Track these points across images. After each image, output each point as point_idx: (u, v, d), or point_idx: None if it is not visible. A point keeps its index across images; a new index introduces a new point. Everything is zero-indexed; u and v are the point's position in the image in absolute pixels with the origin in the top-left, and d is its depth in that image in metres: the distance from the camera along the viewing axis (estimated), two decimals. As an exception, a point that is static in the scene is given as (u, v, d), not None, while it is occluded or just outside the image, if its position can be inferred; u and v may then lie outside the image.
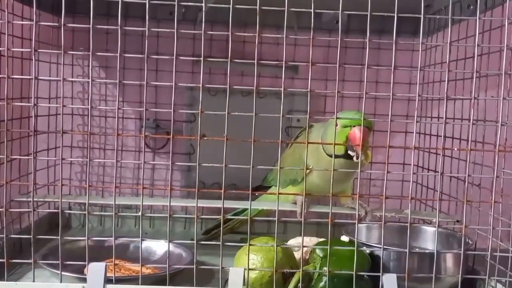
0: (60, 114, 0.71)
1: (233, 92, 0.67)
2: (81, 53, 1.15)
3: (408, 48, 1.14)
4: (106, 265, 0.70)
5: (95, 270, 0.69)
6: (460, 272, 0.75)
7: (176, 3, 0.67)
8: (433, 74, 1.13)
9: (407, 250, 0.72)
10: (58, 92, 1.10)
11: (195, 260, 0.72)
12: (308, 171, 0.75)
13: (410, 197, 0.73)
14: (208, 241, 1.00)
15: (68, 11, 0.69)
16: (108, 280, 0.70)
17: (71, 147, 1.21)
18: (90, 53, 0.69)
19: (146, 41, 0.67)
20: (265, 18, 0.67)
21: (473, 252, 0.82)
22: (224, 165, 0.68)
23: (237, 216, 1.02)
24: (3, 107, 0.72)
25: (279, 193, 0.71)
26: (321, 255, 0.77)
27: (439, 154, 0.73)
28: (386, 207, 0.72)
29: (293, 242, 0.89)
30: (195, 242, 0.72)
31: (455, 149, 0.82)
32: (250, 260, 0.75)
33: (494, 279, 0.77)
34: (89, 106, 0.72)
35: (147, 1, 0.66)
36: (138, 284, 0.71)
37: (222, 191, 0.69)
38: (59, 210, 0.73)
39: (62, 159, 0.72)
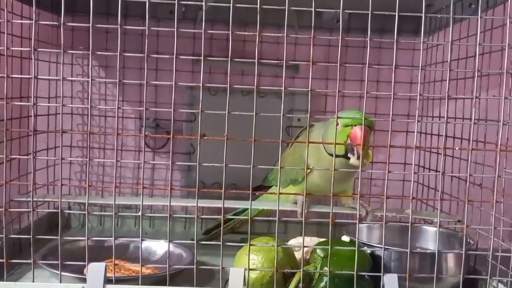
0: (59, 113, 0.71)
1: (233, 91, 0.67)
2: (80, 52, 1.15)
3: (409, 47, 1.14)
4: (106, 265, 0.70)
5: (95, 270, 0.69)
6: (462, 272, 0.75)
7: (176, 2, 0.66)
8: (434, 73, 1.13)
9: (408, 250, 0.72)
10: (57, 91, 1.10)
11: (195, 260, 0.71)
12: (308, 170, 0.75)
13: (411, 197, 0.73)
14: (209, 241, 1.00)
15: (67, 10, 0.69)
16: (108, 280, 0.70)
17: (70, 146, 1.21)
18: (90, 52, 0.69)
19: (146, 40, 0.67)
20: (265, 17, 0.67)
21: (474, 252, 0.82)
22: (224, 164, 0.68)
23: (238, 216, 1.01)
24: (3, 106, 0.72)
25: (279, 193, 0.71)
26: (322, 255, 0.76)
27: (440, 154, 0.73)
28: (387, 207, 0.72)
29: (293, 242, 0.89)
30: (195, 242, 0.71)
31: (457, 148, 0.82)
32: (251, 260, 0.75)
33: (495, 279, 0.77)
34: (89, 106, 0.72)
35: (147, 0, 0.66)
36: (138, 284, 0.71)
37: (223, 191, 0.69)
38: (59, 210, 0.72)
39: (62, 158, 0.71)
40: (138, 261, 0.72)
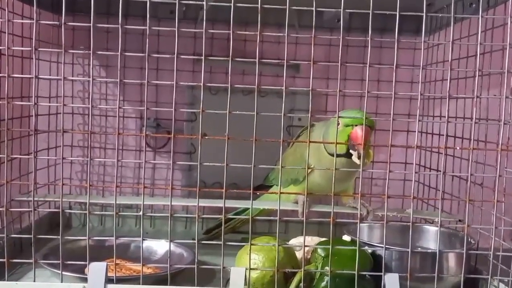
0: (60, 113, 0.71)
1: (234, 91, 0.67)
2: (81, 51, 1.15)
3: (410, 47, 1.14)
4: (107, 265, 0.70)
5: (96, 270, 0.69)
6: (463, 272, 0.75)
7: (177, 1, 0.67)
8: (435, 72, 1.13)
9: (409, 250, 0.72)
10: (58, 91, 1.10)
11: (196, 260, 0.71)
12: (309, 170, 0.75)
13: (412, 196, 0.73)
14: (209, 240, 1.00)
15: (68, 9, 0.69)
16: (109, 280, 0.70)
17: (71, 146, 1.21)
18: (91, 51, 0.69)
19: (147, 39, 0.67)
20: (266, 17, 0.67)
21: (475, 251, 0.82)
22: (225, 164, 0.68)
23: (238, 216, 1.01)
24: (3, 106, 0.72)
25: (280, 193, 0.71)
26: (322, 254, 0.76)
27: (441, 153, 0.73)
28: (388, 207, 0.72)
29: (294, 241, 0.89)
30: (196, 241, 0.71)
31: (458, 148, 0.82)
32: (252, 260, 0.75)
33: (496, 278, 0.77)
34: (90, 105, 0.72)
35: (148, 0, 0.66)
36: (139, 284, 0.71)
37: (223, 190, 0.69)
38: (60, 210, 0.72)
39: (63, 158, 0.71)
40: (139, 261, 0.72)
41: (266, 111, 0.67)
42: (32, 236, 0.72)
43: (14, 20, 0.76)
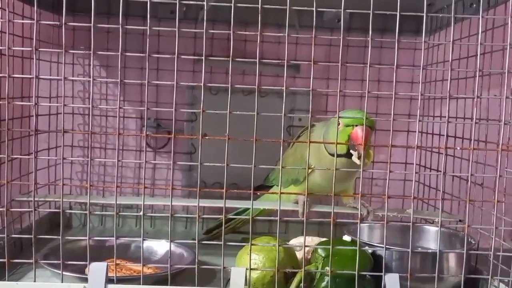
0: (61, 113, 0.71)
1: (234, 91, 0.67)
2: (82, 52, 1.15)
3: (410, 47, 1.14)
4: (107, 265, 0.70)
5: (96, 270, 0.69)
6: (463, 272, 0.75)
7: (177, 1, 0.67)
8: (435, 73, 1.13)
9: (409, 250, 0.72)
10: (58, 91, 1.10)
11: (196, 260, 0.71)
12: (310, 170, 0.75)
13: (412, 196, 0.73)
14: (210, 240, 1.00)
15: (68, 9, 0.69)
16: (109, 280, 0.70)
17: (72, 146, 1.21)
18: (91, 52, 0.69)
19: (147, 40, 0.67)
20: (266, 17, 0.67)
21: (475, 251, 0.82)
22: (225, 164, 0.68)
23: (239, 216, 1.01)
24: (4, 106, 0.72)
25: (281, 193, 0.70)
26: (323, 254, 0.76)
27: (442, 154, 0.73)
28: (388, 207, 0.72)
29: (295, 241, 0.89)
30: (196, 241, 0.71)
31: (458, 148, 0.82)
32: (252, 260, 0.75)
33: (497, 278, 0.77)
34: (90, 105, 0.72)
35: (148, 0, 0.66)
36: (140, 284, 0.71)
37: (224, 190, 0.69)
38: (60, 210, 0.72)
39: (63, 158, 0.71)
40: (140, 261, 0.72)
41: (267, 111, 0.67)
42: (32, 236, 0.72)
43: (15, 20, 0.76)
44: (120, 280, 0.73)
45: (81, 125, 1.23)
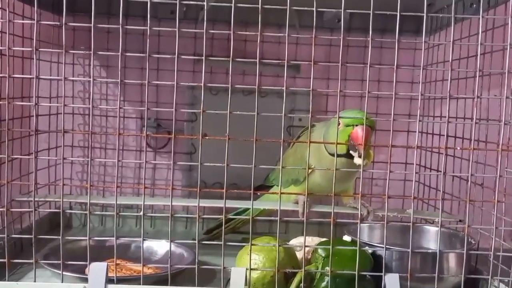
0: (61, 113, 0.71)
1: (234, 91, 0.67)
2: (82, 52, 1.15)
3: (411, 47, 1.14)
4: (107, 265, 0.70)
5: (97, 270, 0.69)
6: (463, 272, 0.75)
7: (177, 2, 0.66)
8: (435, 73, 1.13)
9: (409, 250, 0.72)
10: (59, 91, 1.10)
11: (196, 260, 0.71)
12: (310, 170, 0.75)
13: (412, 196, 0.73)
14: (210, 241, 1.00)
15: (69, 10, 0.69)
16: (109, 280, 0.70)
17: (72, 146, 1.21)
18: (91, 52, 0.69)
19: (148, 40, 0.67)
20: (266, 17, 0.67)
21: (475, 252, 0.82)
22: (225, 164, 0.68)
23: (239, 216, 1.01)
24: (4, 106, 0.72)
25: (281, 193, 0.70)
26: (323, 255, 0.76)
27: (442, 154, 0.73)
28: (388, 207, 0.72)
29: (295, 242, 0.89)
30: (196, 242, 0.71)
31: (458, 148, 0.82)
32: (252, 260, 0.75)
33: (497, 279, 0.77)
34: (90, 106, 0.72)
35: (148, 0, 0.66)
36: (140, 284, 0.71)
37: (224, 190, 0.69)
38: (60, 210, 0.72)
39: (63, 158, 0.71)
40: (140, 261, 0.72)
41: (267, 111, 0.67)
42: (32, 236, 0.72)
43: (15, 21, 0.76)
44: (120, 280, 0.73)
45: (81, 125, 1.23)
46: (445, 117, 0.71)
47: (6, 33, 0.72)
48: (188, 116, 1.22)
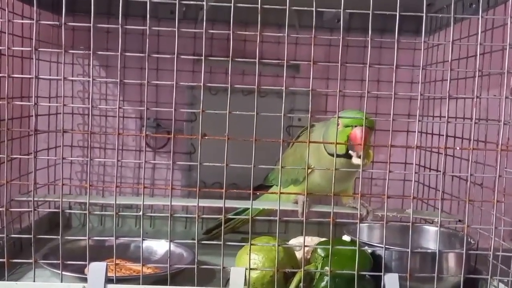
0: (60, 113, 0.71)
1: (234, 91, 0.67)
2: (81, 52, 1.15)
3: (410, 47, 1.14)
4: (107, 265, 0.70)
5: (96, 270, 0.69)
6: (462, 272, 0.75)
7: (177, 1, 0.66)
8: (435, 73, 1.13)
9: (409, 250, 0.72)
10: (58, 91, 1.10)
11: (196, 260, 0.71)
12: (309, 170, 0.75)
13: (412, 196, 0.73)
14: (209, 240, 1.00)
15: (68, 9, 0.69)
16: (108, 280, 0.69)
17: (71, 146, 1.21)
18: (91, 52, 0.69)
19: (147, 40, 0.66)
20: (266, 17, 0.67)
21: (475, 251, 0.82)
22: (225, 164, 0.68)
23: (238, 216, 1.01)
24: (3, 106, 0.72)
25: (280, 193, 0.70)
26: (322, 254, 0.76)
27: (441, 153, 0.73)
28: (387, 207, 0.72)
29: (294, 241, 0.89)
30: (196, 241, 0.71)
31: (457, 148, 0.82)
32: (251, 260, 0.75)
33: (496, 278, 0.77)
34: (90, 105, 0.72)
35: (148, 0, 0.66)
36: (139, 284, 0.71)
37: (223, 190, 0.69)
38: (60, 210, 0.72)
39: (63, 158, 0.71)
40: (139, 261, 0.72)
41: (266, 111, 0.67)
42: (32, 236, 0.72)
43: (14, 20, 0.76)
44: (120, 280, 0.73)
45: (80, 125, 1.23)
46: (445, 117, 0.71)
47: (5, 33, 0.72)
48: (187, 116, 1.22)
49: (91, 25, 0.67)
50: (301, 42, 1.16)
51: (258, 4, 0.66)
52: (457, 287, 0.76)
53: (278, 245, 0.73)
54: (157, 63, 1.17)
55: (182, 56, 0.68)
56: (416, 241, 0.92)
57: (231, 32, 0.67)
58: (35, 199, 0.74)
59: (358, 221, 0.74)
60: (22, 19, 0.88)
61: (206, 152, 0.69)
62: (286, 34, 0.67)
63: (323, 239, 0.84)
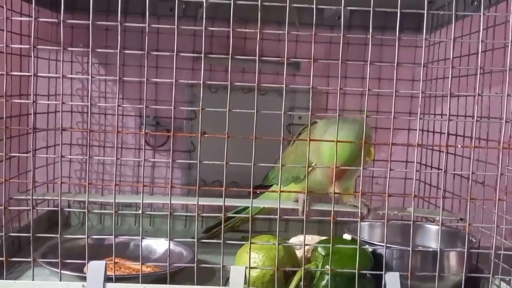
0: (59, 111, 0.71)
1: (234, 89, 0.66)
2: (80, 49, 1.14)
3: (411, 45, 1.14)
4: (106, 263, 0.69)
5: (95, 268, 0.69)
6: (464, 271, 0.75)
7: (176, -2, 0.66)
8: (436, 70, 1.12)
9: (410, 249, 0.71)
10: (57, 89, 1.10)
11: (195, 259, 0.71)
12: (310, 168, 0.74)
13: (413, 195, 0.72)
14: (209, 239, 1.00)
15: (67, 7, 0.68)
16: (108, 279, 0.69)
17: (70, 144, 1.21)
18: (90, 49, 0.68)
19: (146, 37, 0.66)
20: (266, 14, 0.66)
21: (476, 250, 0.82)
22: (225, 162, 0.67)
23: (238, 214, 1.01)
24: (2, 104, 0.71)
25: (281, 191, 0.70)
26: (323, 253, 0.76)
27: (443, 152, 0.73)
28: (388, 205, 0.72)
29: (294, 240, 0.88)
30: (195, 240, 0.71)
31: (459, 146, 0.81)
32: (252, 259, 0.74)
33: (498, 277, 0.77)
34: (89, 103, 0.71)
35: (147, -3, 0.66)
36: (139, 283, 0.71)
37: (223, 189, 0.68)
38: (59, 208, 0.72)
39: (62, 156, 0.71)
40: (138, 260, 0.72)
41: (266, 109, 0.67)
42: (30, 234, 0.72)
43: (13, 18, 0.75)
44: (119, 279, 0.73)
45: (79, 123, 1.22)
46: (446, 115, 0.71)
47: (4, 30, 0.72)
48: (187, 114, 1.21)
49: (90, 22, 0.67)
50: (301, 40, 1.16)
51: (258, 1, 0.65)
52: (459, 286, 0.76)
53: (279, 244, 0.73)
54: (156, 61, 1.16)
55: (182, 54, 0.68)
56: (417, 240, 0.92)
57: (231, 29, 0.67)
58: (34, 197, 0.74)
59: (359, 219, 0.74)
60: (21, 17, 0.88)
61: (206, 150, 0.68)
62: (286, 32, 0.67)
63: (324, 237, 0.84)
